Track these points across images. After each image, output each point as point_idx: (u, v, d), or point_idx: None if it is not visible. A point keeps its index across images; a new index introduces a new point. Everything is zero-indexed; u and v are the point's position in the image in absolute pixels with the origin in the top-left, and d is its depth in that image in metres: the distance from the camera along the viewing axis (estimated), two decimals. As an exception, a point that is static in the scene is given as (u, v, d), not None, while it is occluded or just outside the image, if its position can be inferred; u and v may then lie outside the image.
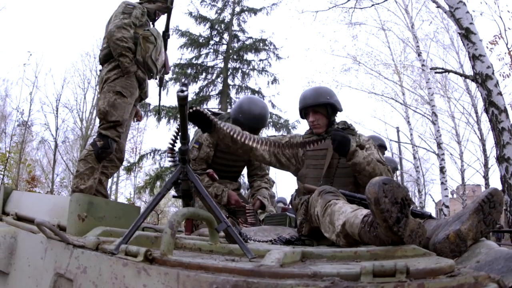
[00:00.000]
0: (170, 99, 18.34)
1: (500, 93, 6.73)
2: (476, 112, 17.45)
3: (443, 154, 13.92)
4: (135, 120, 4.47)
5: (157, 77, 4.27)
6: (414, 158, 19.40)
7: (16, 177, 17.89)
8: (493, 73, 6.86)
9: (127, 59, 3.77)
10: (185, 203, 1.84)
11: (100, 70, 4.06)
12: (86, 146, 3.91)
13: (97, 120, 4.04)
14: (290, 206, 6.56)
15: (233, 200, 4.15)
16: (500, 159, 6.38)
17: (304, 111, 3.41)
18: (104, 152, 3.71)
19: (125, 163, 21.12)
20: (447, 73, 8.16)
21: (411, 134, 18.67)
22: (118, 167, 4.18)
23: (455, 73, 7.90)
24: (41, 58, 51.38)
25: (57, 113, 21.85)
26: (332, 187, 2.47)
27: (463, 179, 18.47)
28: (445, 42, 18.29)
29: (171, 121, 16.42)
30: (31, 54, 24.64)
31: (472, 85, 17.37)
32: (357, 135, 3.38)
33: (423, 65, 14.88)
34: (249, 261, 1.33)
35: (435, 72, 8.53)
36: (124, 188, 29.62)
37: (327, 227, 2.19)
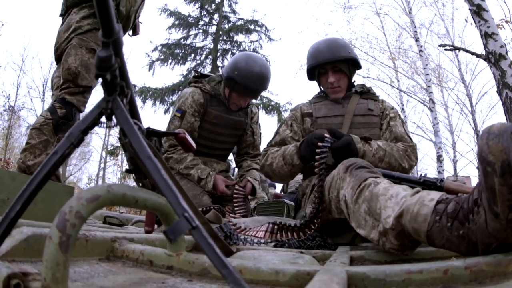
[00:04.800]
0: (156, 80, 17.77)
1: (515, 74, 6.10)
2: (471, 102, 17.10)
3: (440, 142, 13.29)
4: None
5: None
6: (408, 146, 18.84)
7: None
8: (506, 53, 6.28)
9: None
10: (137, 181, 1.08)
11: (61, 15, 3.20)
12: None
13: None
14: (282, 193, 5.93)
15: (219, 188, 3.37)
16: (514, 146, 5.75)
17: (318, 70, 2.66)
18: (65, 123, 2.92)
19: (109, 147, 20.49)
20: (456, 51, 7.47)
21: (405, 122, 18.08)
22: None
23: (466, 51, 7.17)
24: (29, 42, 49.74)
25: (43, 98, 21.19)
26: (365, 161, 1.71)
27: (455, 169, 18.07)
28: (440, 31, 17.80)
29: (157, 103, 15.67)
30: (3, 25, 24.05)
31: (468, 75, 17.03)
32: (380, 100, 2.67)
33: (420, 50, 14.25)
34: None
35: (444, 49, 7.87)
36: (112, 174, 28.46)
37: (362, 220, 1.43)
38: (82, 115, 3.34)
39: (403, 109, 18.26)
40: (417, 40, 14.48)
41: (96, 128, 0.81)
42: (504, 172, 0.81)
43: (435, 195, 1.16)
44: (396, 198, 1.25)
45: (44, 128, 2.89)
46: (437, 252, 1.37)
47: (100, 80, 0.75)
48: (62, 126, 2.93)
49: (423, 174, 1.96)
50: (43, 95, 21.17)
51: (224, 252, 1.05)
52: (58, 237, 0.58)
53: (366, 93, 2.69)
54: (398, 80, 18.30)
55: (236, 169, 4.17)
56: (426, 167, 23.04)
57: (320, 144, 2.09)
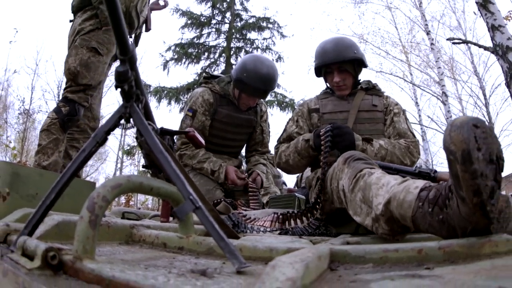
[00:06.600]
0: (170, 79, 17.85)
1: (522, 66, 6.14)
2: (485, 95, 16.90)
3: (454, 135, 13.22)
4: None
5: (134, 33, 3.55)
6: (423, 140, 18.72)
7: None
8: (514, 45, 6.28)
9: None
10: (153, 175, 1.22)
11: (71, 21, 3.36)
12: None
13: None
14: (296, 188, 6.02)
15: (230, 177, 3.54)
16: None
17: (325, 69, 2.81)
18: (71, 120, 3.07)
19: (125, 147, 20.71)
20: (465, 44, 7.51)
21: (419, 116, 18.00)
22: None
23: (474, 44, 7.21)
24: (42, 45, 50.15)
25: (58, 100, 21.32)
26: (362, 153, 1.84)
27: (470, 163, 17.82)
28: (452, 23, 17.72)
29: (172, 102, 15.81)
30: (17, 31, 24.36)
31: (480, 67, 16.88)
32: (384, 96, 2.79)
33: (432, 43, 14.19)
34: (235, 273, 0.72)
35: (453, 43, 7.92)
36: (128, 174, 28.60)
37: (358, 208, 1.56)
38: (102, 117, 3.50)
39: (417, 102, 18.17)
40: (428, 33, 14.44)
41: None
42: (465, 160, 0.92)
43: (420, 183, 1.27)
44: (387, 187, 1.38)
45: (52, 128, 3.04)
46: (428, 239, 1.48)
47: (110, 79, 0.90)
48: (68, 123, 3.07)
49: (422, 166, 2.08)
50: (58, 97, 21.42)
51: (230, 237, 1.19)
52: (88, 216, 0.72)
53: (372, 89, 2.80)
54: (411, 74, 18.25)
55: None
56: (441, 160, 22.68)
57: (322, 130, 2.28)
